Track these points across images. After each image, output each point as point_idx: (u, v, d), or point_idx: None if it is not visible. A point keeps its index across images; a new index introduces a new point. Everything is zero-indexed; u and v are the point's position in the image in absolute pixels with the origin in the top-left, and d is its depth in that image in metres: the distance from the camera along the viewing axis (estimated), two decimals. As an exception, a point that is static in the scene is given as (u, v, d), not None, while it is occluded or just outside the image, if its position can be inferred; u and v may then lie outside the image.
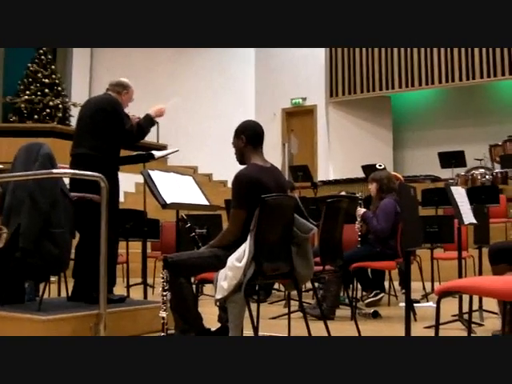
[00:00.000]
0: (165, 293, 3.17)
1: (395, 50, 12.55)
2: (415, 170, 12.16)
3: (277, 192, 3.25)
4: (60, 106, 12.13)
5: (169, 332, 3.27)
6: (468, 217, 4.07)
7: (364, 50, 12.91)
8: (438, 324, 2.42)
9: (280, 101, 13.47)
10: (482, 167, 10.59)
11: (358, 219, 5.26)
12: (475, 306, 4.37)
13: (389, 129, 13.36)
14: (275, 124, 13.38)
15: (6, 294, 3.84)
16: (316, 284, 5.04)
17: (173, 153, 5.14)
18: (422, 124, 13.18)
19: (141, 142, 4.56)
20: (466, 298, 4.12)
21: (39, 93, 12.03)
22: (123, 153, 4.47)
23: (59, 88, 12.37)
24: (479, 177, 10.11)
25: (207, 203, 4.14)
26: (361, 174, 9.69)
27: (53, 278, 4.90)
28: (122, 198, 5.49)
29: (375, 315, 4.94)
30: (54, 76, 12.37)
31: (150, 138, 4.93)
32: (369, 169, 8.25)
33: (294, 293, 3.81)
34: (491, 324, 4.29)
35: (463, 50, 11.75)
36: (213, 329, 3.49)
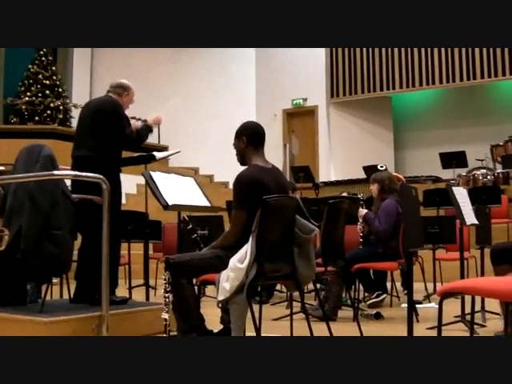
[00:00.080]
0: (167, 294, 3.17)
1: (396, 50, 12.55)
2: (416, 170, 12.16)
3: (278, 193, 3.25)
4: (61, 107, 12.15)
5: (171, 334, 3.26)
6: (470, 217, 4.06)
7: (364, 50, 12.91)
8: (440, 325, 2.41)
9: (281, 101, 13.46)
10: (483, 167, 10.58)
11: (360, 220, 5.26)
12: (477, 307, 4.36)
13: (390, 129, 13.35)
14: (276, 125, 13.36)
15: (7, 295, 3.84)
16: (318, 285, 5.03)
17: (174, 154, 5.14)
18: (423, 124, 13.17)
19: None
20: (468, 298, 4.13)
21: (40, 94, 12.04)
22: (124, 154, 4.48)
23: (60, 89, 12.38)
24: (481, 177, 10.10)
25: (209, 204, 4.14)
26: (362, 175, 9.68)
27: (55, 280, 4.90)
28: (123, 200, 5.49)
29: (377, 316, 4.94)
30: (54, 77, 12.38)
31: (151, 139, 4.94)
32: (370, 169, 8.24)
33: (296, 294, 3.81)
34: (493, 325, 4.28)
35: (464, 50, 11.75)
36: (215, 330, 3.49)
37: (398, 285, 6.39)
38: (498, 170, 10.29)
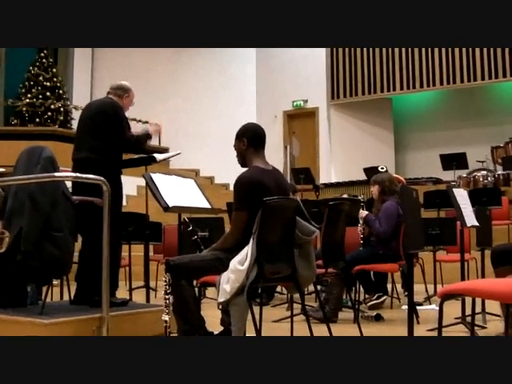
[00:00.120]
0: (167, 296, 3.16)
1: (396, 51, 12.56)
2: (417, 172, 12.16)
3: (278, 195, 3.25)
4: (61, 109, 12.16)
5: (171, 335, 3.26)
6: (470, 219, 4.06)
7: (365, 51, 12.92)
8: (440, 327, 2.41)
9: (281, 103, 13.47)
10: (484, 169, 10.58)
11: (361, 222, 5.27)
12: (478, 309, 4.36)
13: (390, 131, 13.35)
14: (276, 126, 13.36)
15: (8, 297, 3.83)
16: (318, 287, 5.03)
17: (175, 155, 5.14)
18: (424, 126, 13.17)
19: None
20: (468, 300, 4.12)
21: (40, 96, 12.06)
22: (125, 156, 4.48)
23: (61, 91, 12.40)
24: (481, 179, 10.10)
25: (209, 206, 4.14)
26: (363, 177, 9.68)
27: (55, 282, 4.89)
28: (124, 201, 5.49)
29: (378, 318, 4.93)
30: (55, 79, 12.40)
31: (152, 140, 4.94)
32: (371, 171, 8.24)
33: (297, 296, 3.81)
34: (494, 327, 4.28)
35: (464, 51, 11.76)
36: (215, 332, 3.49)
37: (399, 286, 6.39)
38: (499, 172, 10.28)
